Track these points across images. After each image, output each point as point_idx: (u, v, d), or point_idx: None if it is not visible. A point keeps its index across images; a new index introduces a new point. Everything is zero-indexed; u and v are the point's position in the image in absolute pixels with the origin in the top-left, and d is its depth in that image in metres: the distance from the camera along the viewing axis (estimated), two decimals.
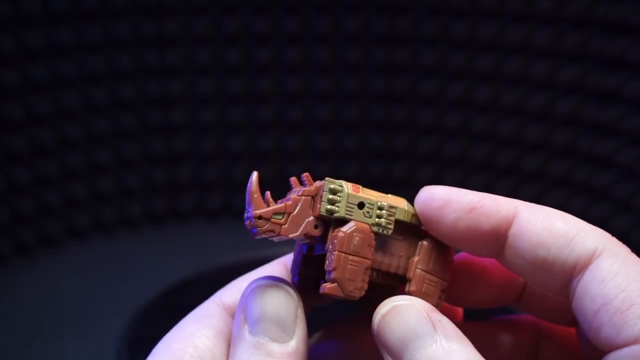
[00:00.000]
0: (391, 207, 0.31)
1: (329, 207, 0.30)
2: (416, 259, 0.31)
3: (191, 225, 1.10)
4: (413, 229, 0.32)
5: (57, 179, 1.02)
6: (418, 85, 1.07)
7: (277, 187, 0.32)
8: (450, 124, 1.07)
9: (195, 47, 1.06)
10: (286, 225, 0.30)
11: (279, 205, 0.30)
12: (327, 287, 0.30)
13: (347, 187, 0.31)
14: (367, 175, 1.11)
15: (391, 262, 0.31)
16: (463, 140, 1.07)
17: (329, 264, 0.30)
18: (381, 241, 0.31)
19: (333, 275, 0.30)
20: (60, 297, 0.94)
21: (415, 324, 0.28)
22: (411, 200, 0.32)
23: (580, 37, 0.96)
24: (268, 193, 0.30)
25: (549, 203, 0.31)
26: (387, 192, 0.32)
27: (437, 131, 1.08)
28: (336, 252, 0.30)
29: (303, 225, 0.30)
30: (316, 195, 0.30)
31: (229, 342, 0.30)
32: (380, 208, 0.31)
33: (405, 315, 0.29)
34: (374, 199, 0.31)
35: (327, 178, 0.31)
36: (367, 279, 0.30)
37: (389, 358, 0.29)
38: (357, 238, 0.30)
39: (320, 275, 0.31)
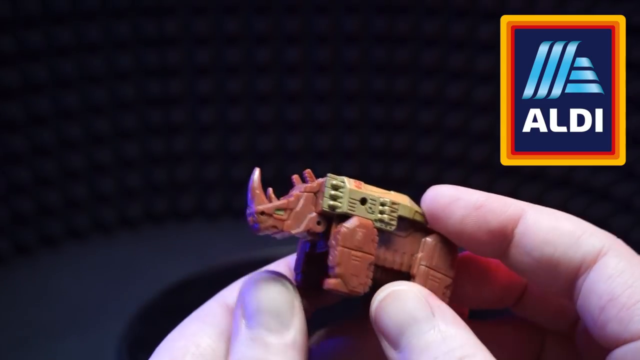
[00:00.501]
0: (394, 203, 0.31)
1: (331, 202, 0.30)
2: (420, 255, 0.31)
3: (191, 225, 1.10)
4: (416, 226, 0.32)
5: (57, 179, 1.02)
6: (418, 85, 1.07)
7: (277, 187, 0.32)
8: (450, 124, 1.07)
9: (195, 47, 1.06)
10: (289, 221, 0.29)
11: (282, 201, 0.30)
12: (330, 282, 0.29)
13: (349, 182, 0.30)
14: (367, 175, 1.11)
15: (394, 258, 0.31)
16: (463, 140, 1.07)
17: (331, 259, 0.29)
18: (384, 237, 0.31)
19: (336, 270, 0.29)
20: (60, 297, 0.94)
21: (413, 308, 0.28)
22: (412, 199, 0.32)
23: None
24: (270, 189, 0.30)
25: (549, 203, 0.31)
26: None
27: (437, 131, 1.08)
28: (339, 247, 0.29)
29: (305, 221, 0.30)
30: (318, 191, 0.30)
31: None
32: (383, 204, 0.31)
33: (403, 300, 0.28)
34: (376, 195, 0.31)
35: (328, 174, 0.30)
36: (371, 274, 0.30)
37: (387, 344, 0.28)
38: (359, 233, 0.30)
39: (324, 273, 0.30)
